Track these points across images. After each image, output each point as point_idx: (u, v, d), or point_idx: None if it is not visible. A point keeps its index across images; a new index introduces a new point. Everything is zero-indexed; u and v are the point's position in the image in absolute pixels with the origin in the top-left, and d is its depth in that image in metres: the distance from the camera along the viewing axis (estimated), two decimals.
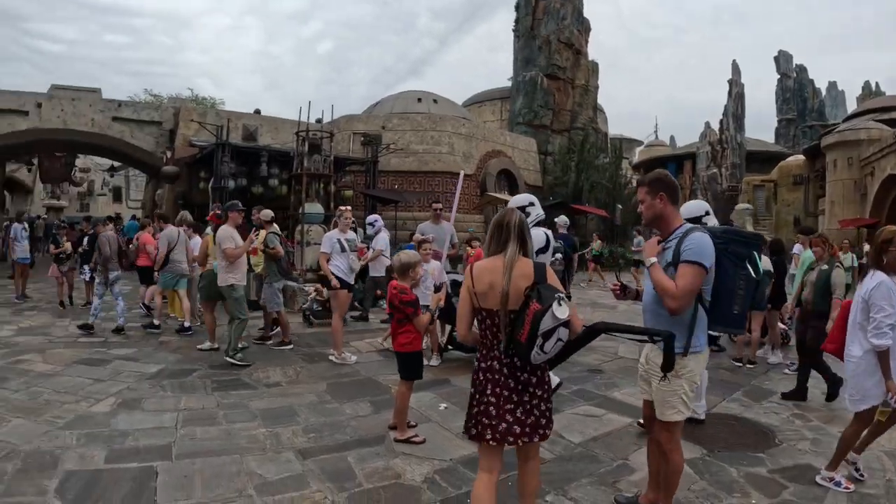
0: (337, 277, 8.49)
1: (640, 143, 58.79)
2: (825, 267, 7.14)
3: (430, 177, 22.06)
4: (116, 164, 31.80)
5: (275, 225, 10.03)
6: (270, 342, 9.40)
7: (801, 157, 36.32)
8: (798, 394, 6.96)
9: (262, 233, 9.70)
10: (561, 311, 3.09)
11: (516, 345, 3.22)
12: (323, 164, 14.47)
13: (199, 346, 8.88)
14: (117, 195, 44.88)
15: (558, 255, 11.05)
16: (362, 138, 19.76)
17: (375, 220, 11.61)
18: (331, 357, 8.43)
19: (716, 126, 39.78)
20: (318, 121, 16.49)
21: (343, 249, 8.59)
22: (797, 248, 10.13)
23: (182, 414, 5.97)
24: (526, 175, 26.71)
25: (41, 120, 19.77)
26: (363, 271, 11.29)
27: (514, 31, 33.46)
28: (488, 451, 3.41)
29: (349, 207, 9.54)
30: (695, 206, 6.39)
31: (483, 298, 3.37)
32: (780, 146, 46.77)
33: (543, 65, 30.78)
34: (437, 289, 7.47)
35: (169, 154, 19.27)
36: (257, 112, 21.53)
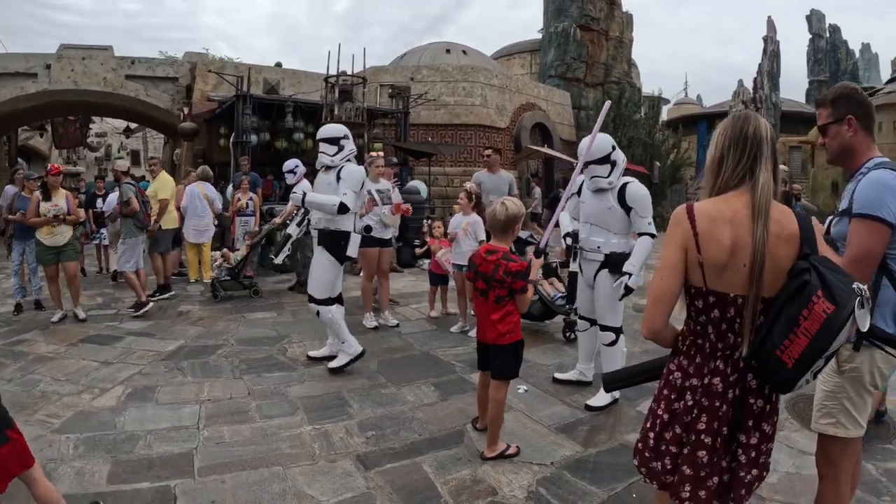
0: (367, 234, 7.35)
1: (667, 101, 56.74)
2: None
3: (462, 130, 20.51)
4: (132, 125, 30.59)
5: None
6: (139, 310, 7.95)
7: None
8: None
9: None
10: (864, 318, 1.80)
11: (771, 365, 1.91)
12: (355, 112, 13.06)
13: (52, 319, 7.45)
14: (135, 158, 43.54)
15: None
16: (390, 90, 18.32)
17: (296, 167, 8.77)
18: (363, 322, 7.53)
19: (749, 85, 38.11)
20: (343, 73, 15.18)
21: (374, 202, 7.35)
22: None
23: (205, 407, 4.73)
24: (560, 129, 25.14)
25: (51, 82, 18.41)
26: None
27: None
28: None
29: (381, 153, 8.18)
30: None
31: (716, 273, 1.99)
32: (813, 108, 44.78)
33: (576, 15, 28.79)
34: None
35: (186, 110, 17.98)
36: (278, 65, 20.13)
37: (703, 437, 2.03)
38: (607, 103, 4.59)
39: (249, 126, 14.23)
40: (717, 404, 2.02)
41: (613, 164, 4.89)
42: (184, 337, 6.81)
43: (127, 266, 8.04)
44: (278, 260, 6.87)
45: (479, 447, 4.05)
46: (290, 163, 8.66)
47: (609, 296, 4.90)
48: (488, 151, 8.63)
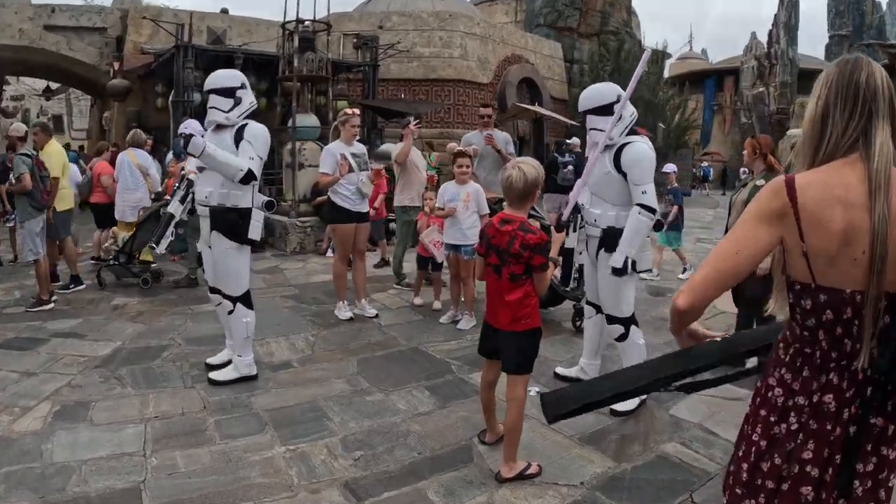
0: (339, 206, 6.98)
1: (669, 55, 57.06)
2: None
3: (439, 86, 20.24)
4: (53, 85, 29.81)
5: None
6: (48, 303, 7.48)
7: None
8: None
9: None
10: None
11: None
12: (318, 64, 12.60)
13: None
14: (58, 124, 42.42)
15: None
16: (355, 40, 17.88)
17: (187, 128, 7.48)
18: (336, 312, 7.24)
19: (763, 38, 38.12)
20: (302, 21, 14.78)
21: (349, 168, 6.90)
22: None
23: (152, 426, 4.33)
24: (551, 86, 24.90)
25: None
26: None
27: None
28: None
29: (356, 110, 7.69)
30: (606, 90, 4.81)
31: (826, 265, 1.73)
32: None
33: None
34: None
35: (116, 66, 17.49)
36: (224, 11, 19.62)
37: (808, 468, 1.79)
38: (647, 50, 4.31)
39: (192, 82, 13.88)
40: (829, 427, 1.77)
41: (618, 117, 4.61)
42: (120, 337, 6.39)
43: (29, 255, 7.56)
44: (160, 249, 6.46)
45: (492, 466, 3.79)
46: (185, 124, 7.78)
47: (612, 281, 4.61)
48: (487, 110, 8.40)
